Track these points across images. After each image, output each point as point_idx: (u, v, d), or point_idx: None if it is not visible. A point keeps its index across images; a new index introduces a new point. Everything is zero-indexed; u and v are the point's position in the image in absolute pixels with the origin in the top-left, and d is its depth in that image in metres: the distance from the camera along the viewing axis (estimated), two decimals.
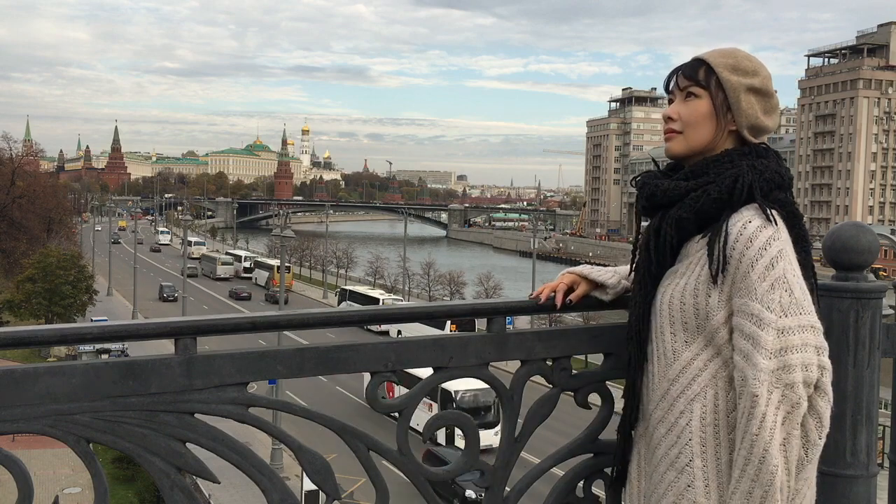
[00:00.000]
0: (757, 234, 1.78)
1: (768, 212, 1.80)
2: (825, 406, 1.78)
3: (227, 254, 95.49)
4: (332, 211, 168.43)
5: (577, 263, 2.26)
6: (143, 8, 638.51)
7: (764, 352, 1.73)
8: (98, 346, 32.00)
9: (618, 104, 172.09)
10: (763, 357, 1.73)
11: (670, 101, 1.99)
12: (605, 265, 2.23)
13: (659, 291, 1.93)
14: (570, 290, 2.18)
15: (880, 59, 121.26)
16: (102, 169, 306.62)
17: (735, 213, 1.82)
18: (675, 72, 1.99)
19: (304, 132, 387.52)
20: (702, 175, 1.90)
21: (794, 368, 1.73)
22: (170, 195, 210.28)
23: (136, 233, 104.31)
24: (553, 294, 2.17)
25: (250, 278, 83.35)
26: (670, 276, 1.91)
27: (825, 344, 1.79)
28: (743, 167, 1.86)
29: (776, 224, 1.79)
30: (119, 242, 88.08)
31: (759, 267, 1.75)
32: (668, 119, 1.98)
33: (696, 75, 1.94)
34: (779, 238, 1.78)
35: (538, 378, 2.18)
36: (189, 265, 73.77)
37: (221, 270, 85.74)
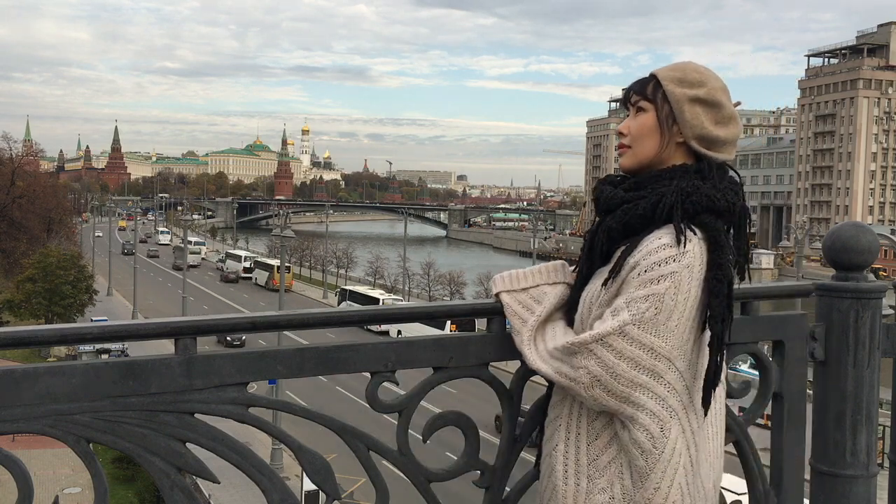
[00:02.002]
0: (658, 250, 1.81)
1: (682, 235, 1.81)
2: (640, 434, 1.80)
3: (229, 254, 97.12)
4: (332, 211, 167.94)
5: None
6: (144, 8, 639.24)
7: (596, 333, 1.80)
8: (98, 346, 32.02)
9: (618, 104, 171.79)
10: (591, 335, 1.80)
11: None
12: None
13: (583, 290, 1.99)
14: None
15: (880, 59, 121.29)
16: (102, 169, 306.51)
17: (655, 230, 1.85)
18: (629, 88, 2.04)
19: (305, 132, 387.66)
20: (641, 188, 1.93)
21: (602, 363, 1.79)
22: (164, 195, 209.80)
23: (136, 231, 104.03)
24: None
25: (250, 278, 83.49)
26: (594, 278, 1.97)
27: (659, 385, 1.80)
28: (671, 187, 1.88)
29: (685, 247, 1.80)
30: (133, 253, 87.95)
31: (645, 277, 1.79)
32: (619, 134, 2.02)
33: (644, 90, 1.99)
34: (678, 261, 1.79)
35: (538, 378, 2.18)
36: (152, 249, 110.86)
37: (190, 259, 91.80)
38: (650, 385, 1.80)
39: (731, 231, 1.91)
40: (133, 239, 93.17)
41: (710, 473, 1.91)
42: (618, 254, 1.90)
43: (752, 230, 2.02)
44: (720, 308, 1.84)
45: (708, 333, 1.86)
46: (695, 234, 1.83)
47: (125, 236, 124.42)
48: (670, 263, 1.79)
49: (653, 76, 1.99)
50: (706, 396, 1.91)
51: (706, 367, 1.89)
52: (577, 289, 2.01)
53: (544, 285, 2.06)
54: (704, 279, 1.82)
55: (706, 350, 1.88)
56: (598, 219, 2.01)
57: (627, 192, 1.94)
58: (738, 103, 2.01)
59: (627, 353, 1.78)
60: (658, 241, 1.82)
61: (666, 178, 1.91)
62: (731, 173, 1.97)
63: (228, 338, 54.34)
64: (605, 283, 1.88)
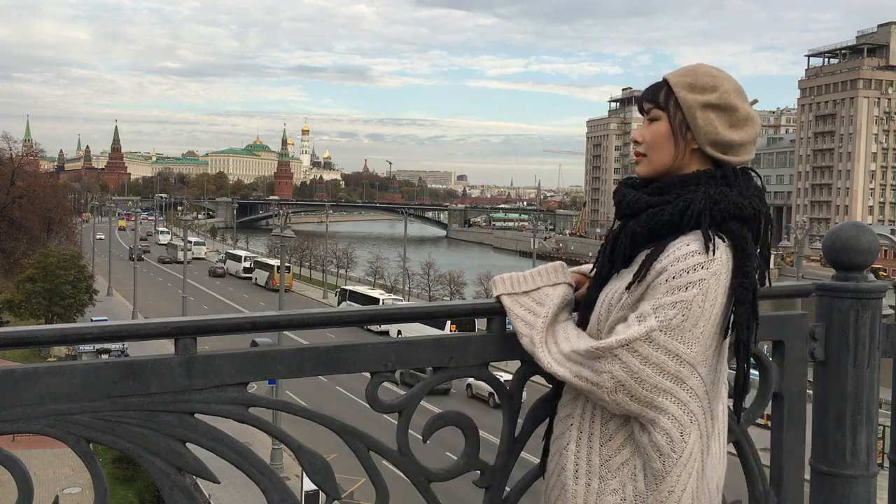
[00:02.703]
0: (687, 257, 1.81)
1: (710, 242, 1.81)
2: (660, 438, 1.81)
3: (229, 253, 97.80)
4: (332, 211, 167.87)
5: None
6: (144, 8, 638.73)
7: (622, 338, 1.80)
8: (98, 346, 32.01)
9: (618, 104, 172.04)
10: (617, 340, 1.80)
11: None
12: None
13: (602, 291, 1.98)
14: (574, 289, 2.19)
15: (880, 59, 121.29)
16: (102, 169, 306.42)
17: (681, 236, 1.85)
18: (642, 95, 2.02)
19: (305, 132, 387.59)
20: (665, 193, 1.92)
21: (627, 367, 1.79)
22: (164, 195, 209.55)
23: (137, 231, 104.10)
24: None
25: (250, 278, 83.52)
26: (614, 280, 1.97)
27: (682, 391, 1.81)
28: (699, 194, 1.87)
29: (713, 254, 1.81)
30: (142, 259, 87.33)
31: (672, 283, 1.79)
32: (634, 142, 2.02)
33: (656, 97, 1.97)
34: (707, 268, 1.80)
35: (538, 378, 2.18)
36: (143, 245, 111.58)
37: (180, 255, 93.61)
38: (674, 390, 1.80)
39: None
40: (137, 243, 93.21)
41: (713, 475, 1.92)
42: (642, 257, 1.89)
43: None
44: (746, 315, 1.85)
45: (728, 339, 1.88)
46: (723, 241, 1.84)
47: (126, 237, 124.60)
48: (699, 270, 1.79)
49: (665, 81, 1.98)
50: (738, 405, 1.95)
51: (735, 375, 1.91)
52: (593, 289, 2.01)
53: (546, 287, 2.05)
54: (730, 286, 1.83)
55: (725, 355, 1.90)
56: (618, 221, 2.00)
57: (651, 197, 1.93)
58: (755, 101, 2.00)
59: (653, 358, 1.78)
60: (686, 248, 1.82)
61: (692, 183, 1.90)
62: (756, 179, 1.96)
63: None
64: (628, 287, 1.87)
